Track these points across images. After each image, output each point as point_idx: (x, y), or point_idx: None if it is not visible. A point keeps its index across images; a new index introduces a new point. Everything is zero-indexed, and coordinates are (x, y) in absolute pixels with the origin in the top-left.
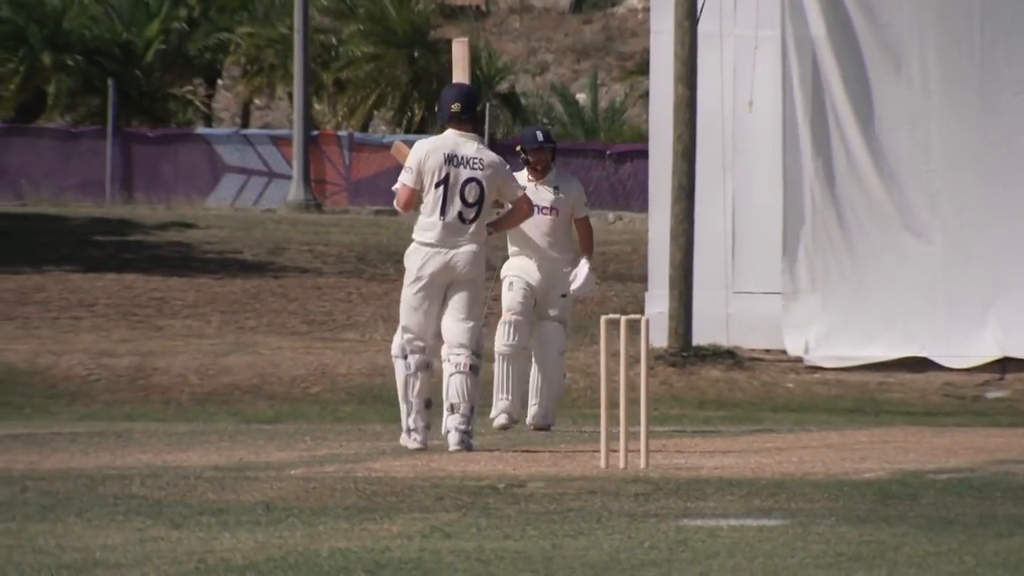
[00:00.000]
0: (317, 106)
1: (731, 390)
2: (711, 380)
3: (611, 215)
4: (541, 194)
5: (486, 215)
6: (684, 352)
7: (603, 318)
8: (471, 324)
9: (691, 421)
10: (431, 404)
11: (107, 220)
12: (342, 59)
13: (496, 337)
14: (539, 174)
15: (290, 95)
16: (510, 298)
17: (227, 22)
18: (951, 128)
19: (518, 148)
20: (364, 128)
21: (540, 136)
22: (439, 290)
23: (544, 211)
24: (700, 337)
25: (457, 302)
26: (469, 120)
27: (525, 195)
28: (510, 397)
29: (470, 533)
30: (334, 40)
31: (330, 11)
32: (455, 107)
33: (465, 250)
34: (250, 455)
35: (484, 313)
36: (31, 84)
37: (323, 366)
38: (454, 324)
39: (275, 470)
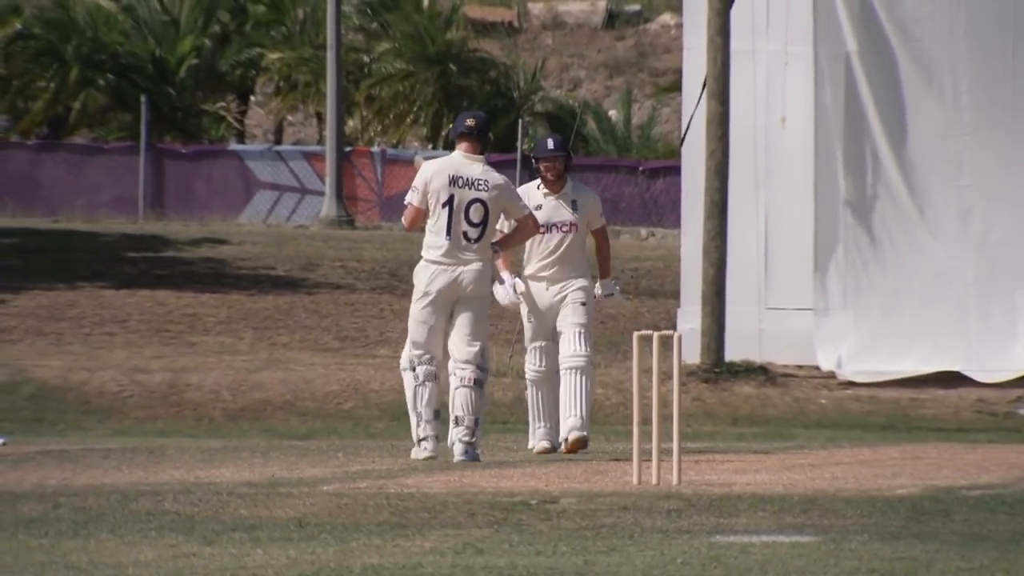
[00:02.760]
0: (350, 122)
1: (763, 406)
2: (743, 396)
3: (644, 231)
4: (558, 210)
5: (491, 234)
6: (716, 368)
7: (635, 334)
8: (476, 341)
9: (723, 437)
10: (440, 415)
11: (140, 236)
12: (374, 76)
13: (525, 365)
14: (553, 185)
15: (320, 114)
16: (531, 328)
17: (260, 38)
18: (983, 144)
19: (532, 157)
20: (397, 145)
21: (551, 144)
22: (445, 306)
23: (563, 228)
24: (732, 353)
25: (463, 320)
26: (478, 141)
27: (531, 214)
28: (547, 424)
29: (502, 549)
30: (366, 58)
31: (362, 29)
32: (469, 122)
33: (471, 268)
34: (283, 471)
35: (488, 329)
36: (62, 100)
37: (356, 382)
38: (460, 341)
39: (308, 486)
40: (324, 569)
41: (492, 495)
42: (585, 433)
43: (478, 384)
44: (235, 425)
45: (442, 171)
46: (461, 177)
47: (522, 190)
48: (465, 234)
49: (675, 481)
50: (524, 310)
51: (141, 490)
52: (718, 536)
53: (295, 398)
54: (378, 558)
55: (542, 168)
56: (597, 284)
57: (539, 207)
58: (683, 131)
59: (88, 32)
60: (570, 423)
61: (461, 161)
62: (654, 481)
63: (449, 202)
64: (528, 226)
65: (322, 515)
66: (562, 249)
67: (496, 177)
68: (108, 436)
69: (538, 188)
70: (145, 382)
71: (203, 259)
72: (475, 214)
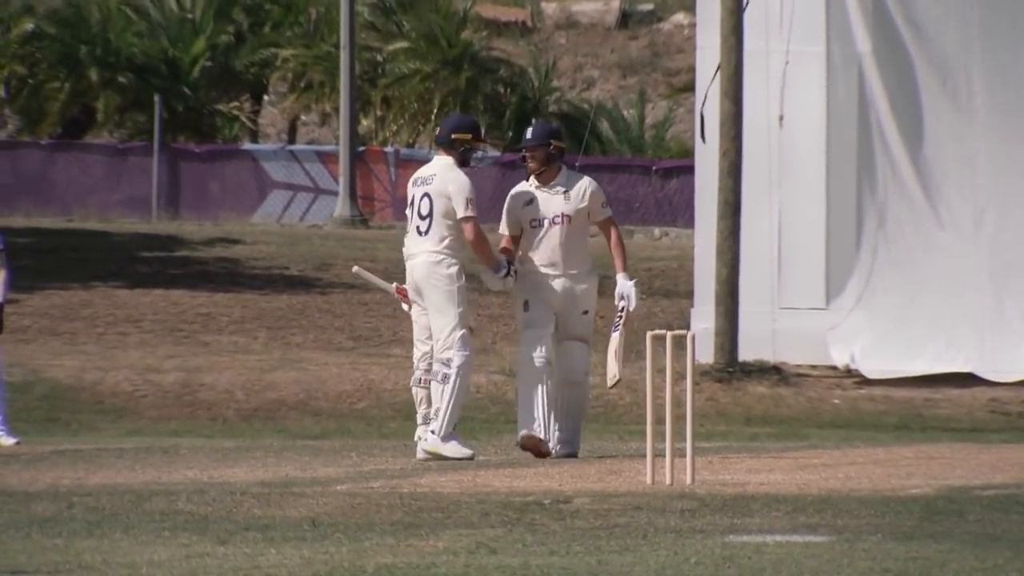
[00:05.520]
0: (364, 122)
1: (777, 406)
2: (757, 396)
3: (657, 231)
4: (549, 202)
5: (439, 226)
6: (730, 368)
7: (649, 334)
8: (440, 331)
9: (737, 437)
10: (427, 418)
11: (153, 236)
12: (389, 76)
13: (520, 354)
14: (542, 176)
15: (335, 111)
16: (528, 316)
17: (274, 38)
18: (997, 143)
19: (518, 148)
20: (411, 144)
21: (530, 133)
22: (419, 300)
23: (556, 220)
24: (746, 353)
25: (428, 312)
26: (446, 145)
27: (467, 218)
28: (537, 419)
29: (516, 549)
30: (380, 57)
31: (377, 28)
32: (439, 131)
33: (420, 260)
34: (296, 471)
35: (456, 316)
36: (77, 101)
37: (369, 382)
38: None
39: (321, 486)
40: (338, 569)
41: (505, 495)
42: (574, 450)
43: (445, 379)
44: (249, 425)
45: (413, 178)
46: (420, 177)
47: (517, 188)
48: (417, 228)
49: (689, 481)
50: (521, 303)
51: (155, 490)
52: (731, 536)
53: (308, 398)
54: (391, 558)
55: (526, 158)
56: (617, 285)
57: (531, 201)
58: (699, 127)
59: (101, 32)
60: (558, 437)
61: (430, 165)
62: (668, 481)
63: (413, 202)
64: (465, 229)
65: (335, 515)
66: (559, 242)
67: (446, 173)
68: (122, 436)
69: (529, 181)
70: (159, 382)
71: (217, 259)
72: (423, 207)
